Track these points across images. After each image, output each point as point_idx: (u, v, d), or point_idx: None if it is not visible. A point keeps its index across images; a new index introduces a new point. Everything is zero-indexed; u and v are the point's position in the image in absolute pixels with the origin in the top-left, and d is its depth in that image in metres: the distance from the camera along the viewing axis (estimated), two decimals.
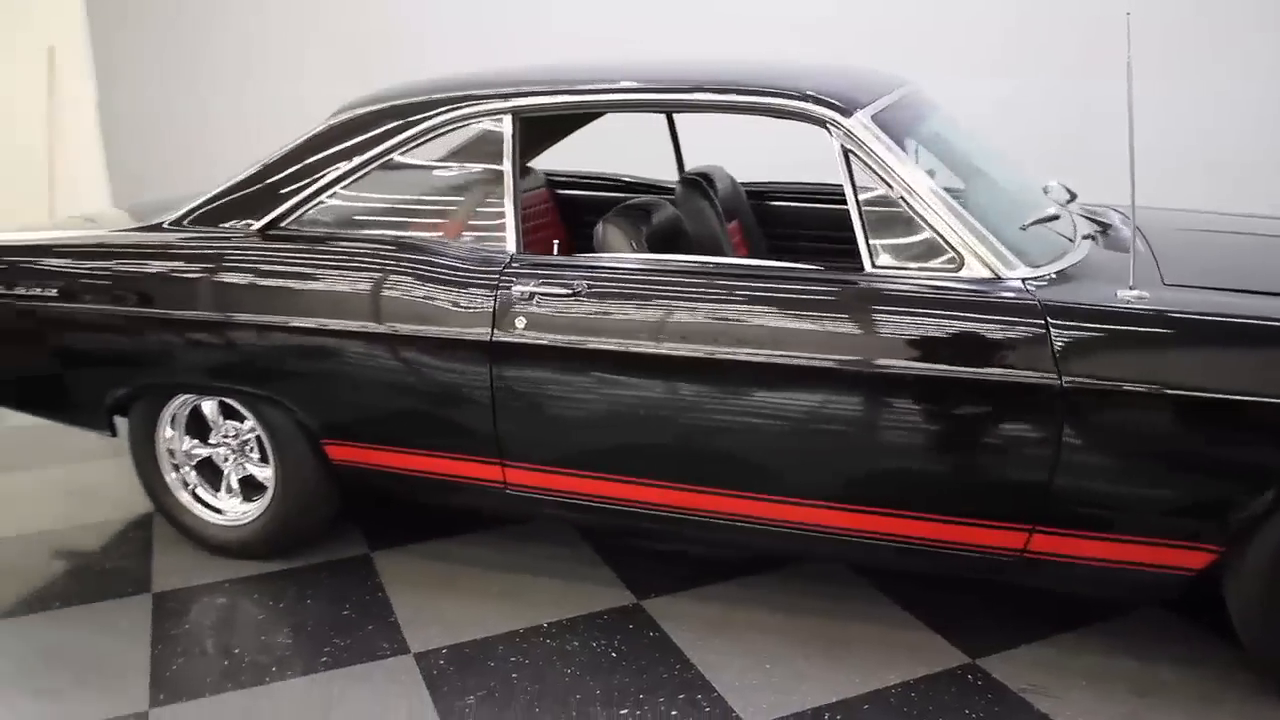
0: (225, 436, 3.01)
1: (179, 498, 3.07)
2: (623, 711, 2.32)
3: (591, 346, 2.46)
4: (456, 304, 2.57)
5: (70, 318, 2.92)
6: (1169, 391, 2.09)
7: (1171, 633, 2.56)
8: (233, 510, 3.06)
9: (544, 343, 2.50)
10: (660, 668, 2.48)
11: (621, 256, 2.61)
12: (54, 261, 2.94)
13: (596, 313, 2.47)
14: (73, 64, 6.89)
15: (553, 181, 3.90)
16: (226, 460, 3.04)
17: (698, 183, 3.27)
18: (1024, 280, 2.25)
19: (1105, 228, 2.74)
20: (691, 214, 3.17)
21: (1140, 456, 2.17)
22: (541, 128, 3.71)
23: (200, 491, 3.08)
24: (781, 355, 2.32)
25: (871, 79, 2.70)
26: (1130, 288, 2.19)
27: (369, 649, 2.59)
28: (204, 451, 3.05)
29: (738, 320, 2.37)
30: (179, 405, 3.00)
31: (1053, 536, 2.28)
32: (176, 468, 3.06)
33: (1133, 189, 2.23)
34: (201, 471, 3.08)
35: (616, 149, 3.76)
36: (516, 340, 2.52)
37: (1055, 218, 2.55)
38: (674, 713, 2.31)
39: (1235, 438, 2.11)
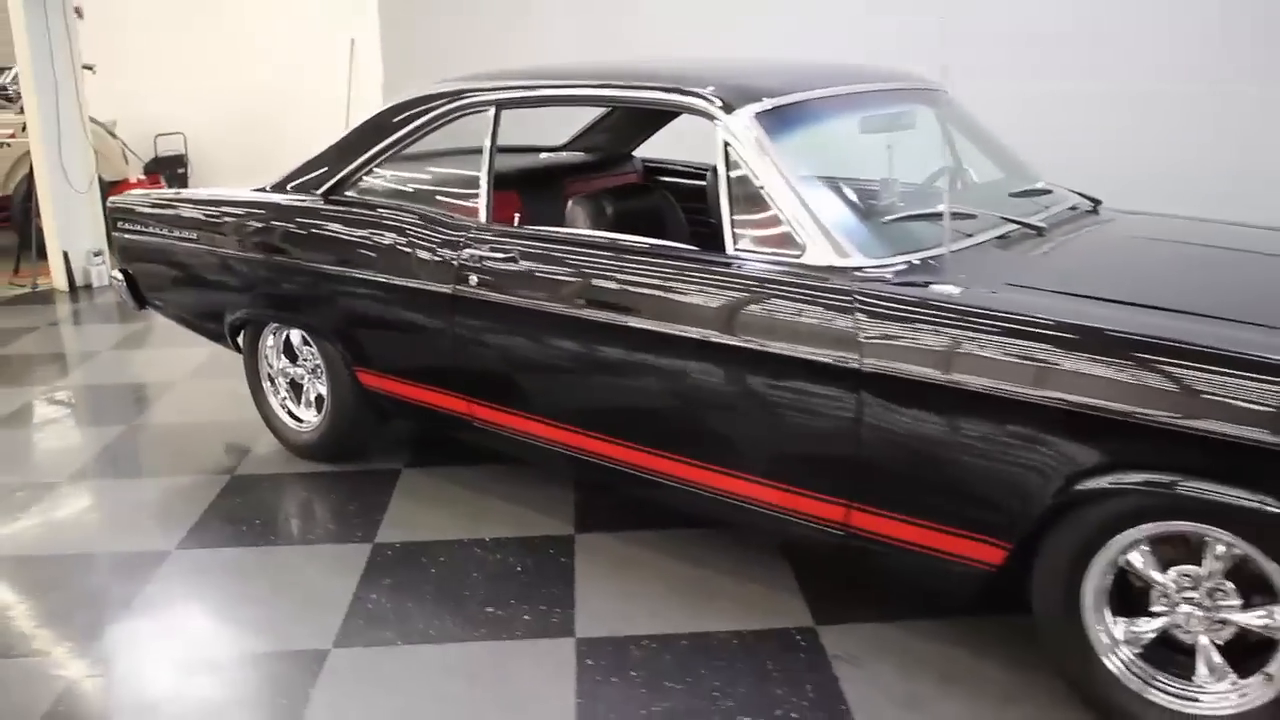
0: (304, 360, 3.75)
1: (272, 404, 3.86)
2: (489, 609, 2.75)
3: (517, 304, 2.89)
4: (432, 262, 3.09)
5: (204, 256, 3.77)
6: (948, 383, 2.17)
7: None
8: (307, 419, 3.79)
9: (487, 298, 2.96)
10: (544, 586, 2.86)
11: (553, 231, 2.99)
12: (198, 212, 3.81)
13: (525, 275, 2.89)
14: (368, 53, 8.26)
15: (650, 168, 4.32)
16: (304, 379, 3.77)
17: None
18: (855, 269, 2.39)
19: (1040, 230, 2.73)
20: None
21: (928, 443, 2.24)
22: (638, 122, 4.17)
23: (287, 402, 3.85)
24: (649, 323, 2.62)
25: (811, 75, 2.88)
26: (945, 282, 2.27)
27: (345, 535, 3.20)
28: (293, 370, 3.80)
29: (625, 290, 2.69)
30: (273, 330, 3.77)
31: (868, 515, 2.40)
32: (271, 380, 3.84)
33: (946, 197, 2.29)
34: (292, 387, 3.84)
35: None
36: (469, 295, 3.00)
37: (970, 216, 2.61)
38: (526, 618, 2.70)
39: (1011, 435, 2.13)
